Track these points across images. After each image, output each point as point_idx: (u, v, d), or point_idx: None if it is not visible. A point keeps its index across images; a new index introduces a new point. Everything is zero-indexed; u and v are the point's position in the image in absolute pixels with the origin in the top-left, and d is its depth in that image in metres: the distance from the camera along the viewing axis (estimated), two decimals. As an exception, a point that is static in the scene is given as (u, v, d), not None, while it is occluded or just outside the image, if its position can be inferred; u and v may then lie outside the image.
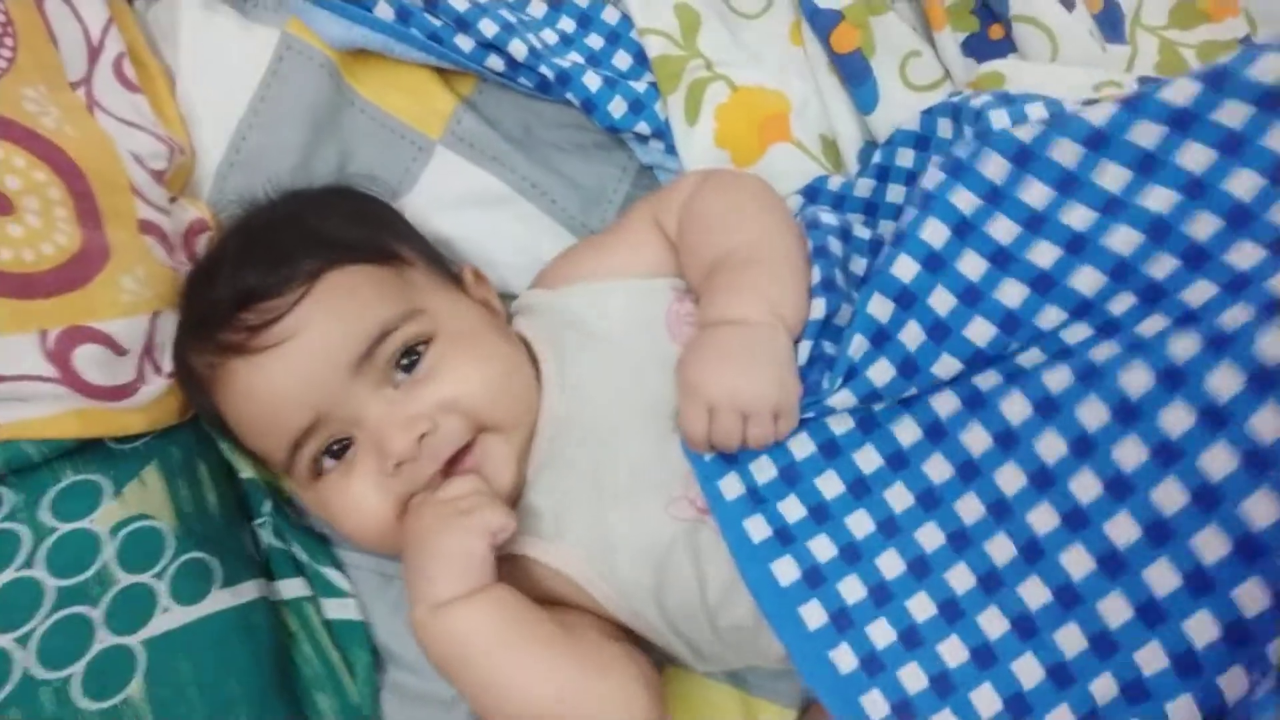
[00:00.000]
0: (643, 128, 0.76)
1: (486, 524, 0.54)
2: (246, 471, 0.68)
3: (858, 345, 0.54)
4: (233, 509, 0.67)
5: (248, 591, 0.63)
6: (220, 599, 0.62)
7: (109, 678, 0.56)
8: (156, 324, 0.65)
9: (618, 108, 0.75)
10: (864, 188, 0.71)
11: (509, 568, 0.58)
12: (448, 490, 0.57)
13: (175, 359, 0.64)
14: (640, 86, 0.76)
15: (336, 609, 0.67)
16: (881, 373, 0.54)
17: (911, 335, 0.53)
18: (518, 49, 0.74)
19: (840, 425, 0.55)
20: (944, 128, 0.68)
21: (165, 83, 0.75)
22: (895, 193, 0.70)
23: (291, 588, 0.66)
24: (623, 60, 0.79)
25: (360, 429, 0.58)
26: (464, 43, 0.76)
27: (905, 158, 0.69)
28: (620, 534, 0.56)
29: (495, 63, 0.76)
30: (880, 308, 0.54)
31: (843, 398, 0.54)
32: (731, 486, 0.54)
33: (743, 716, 0.66)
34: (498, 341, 0.63)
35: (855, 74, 0.74)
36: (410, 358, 0.59)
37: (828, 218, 0.62)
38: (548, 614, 0.55)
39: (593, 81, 0.75)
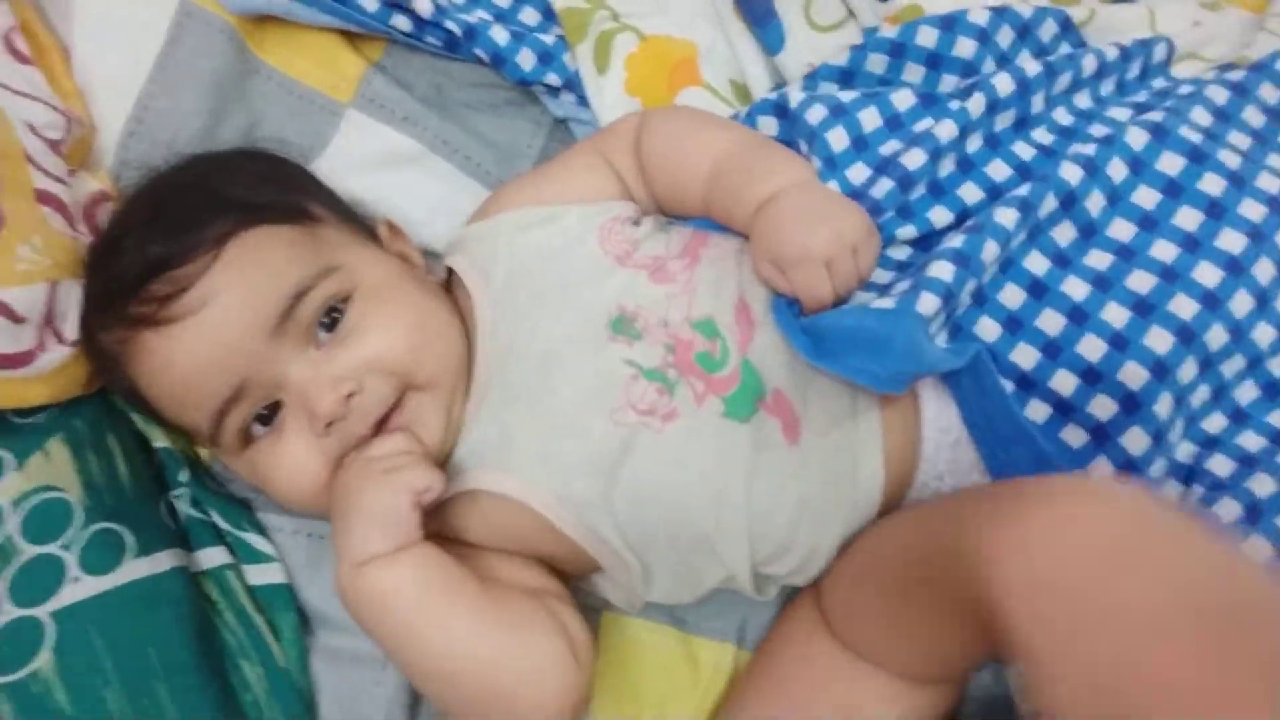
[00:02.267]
0: (553, 79, 0.75)
1: (411, 482, 0.53)
2: (160, 441, 0.67)
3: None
4: (146, 480, 0.65)
5: (164, 561, 0.61)
6: (134, 568, 0.60)
7: (14, 651, 0.54)
8: (56, 293, 0.62)
9: (526, 60, 0.75)
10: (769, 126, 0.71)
11: (457, 505, 0.58)
12: (375, 448, 0.56)
13: (84, 336, 0.62)
14: (549, 39, 0.76)
15: (260, 574, 0.65)
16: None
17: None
18: (423, 6, 0.73)
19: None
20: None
21: (60, 56, 0.73)
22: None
23: (212, 556, 0.65)
24: (530, 16, 0.79)
25: (286, 391, 0.57)
26: (369, 3, 0.75)
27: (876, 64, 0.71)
28: (568, 453, 0.56)
29: (402, 22, 0.76)
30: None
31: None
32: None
33: (683, 655, 0.66)
34: (418, 294, 0.62)
35: (760, 17, 0.74)
36: (331, 316, 0.58)
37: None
38: (473, 573, 0.55)
39: (500, 35, 0.75)
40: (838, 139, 0.63)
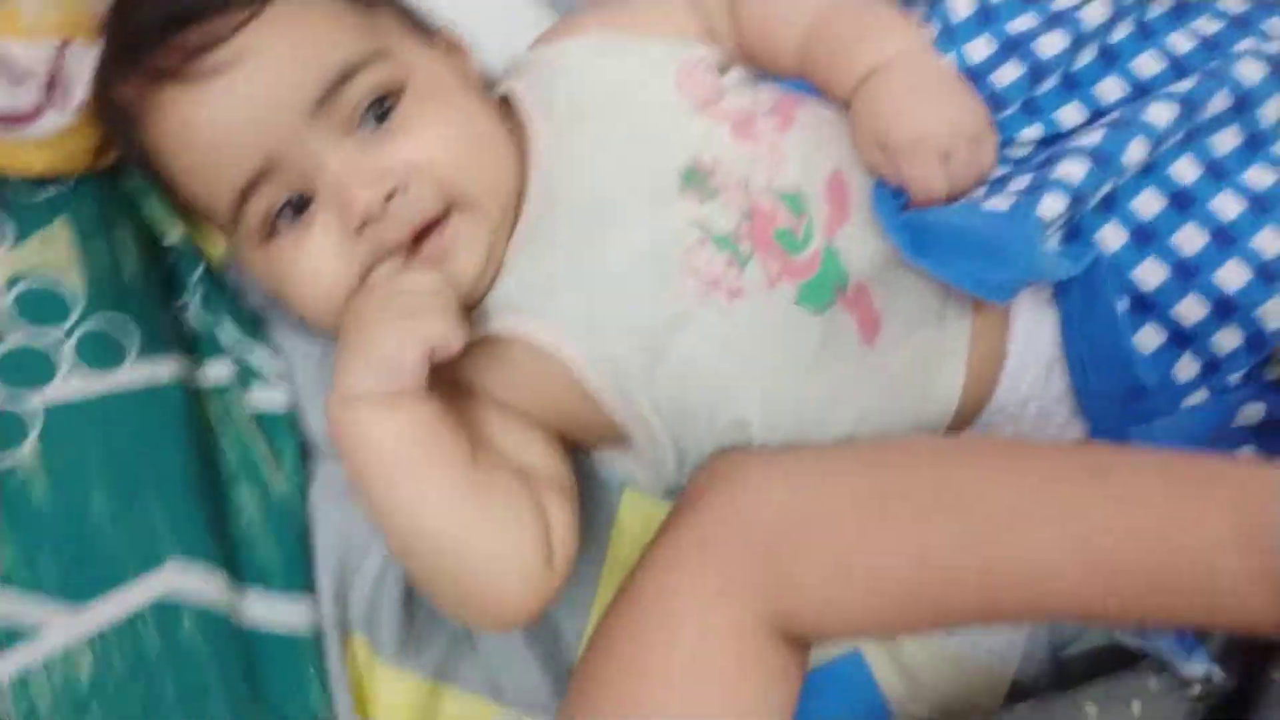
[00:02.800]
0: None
1: (429, 333, 0.48)
2: (173, 236, 0.61)
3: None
4: (155, 282, 0.61)
5: (166, 369, 0.57)
6: (134, 372, 0.56)
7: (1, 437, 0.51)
8: (65, 54, 0.56)
9: None
10: None
11: (485, 350, 0.53)
12: (404, 282, 0.51)
13: (98, 91, 0.55)
14: None
15: (265, 397, 0.61)
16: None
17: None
18: None
19: None
20: None
21: None
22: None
23: (216, 372, 0.61)
24: None
25: (320, 182, 0.51)
26: None
27: None
28: (615, 315, 0.51)
29: None
30: None
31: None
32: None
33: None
34: (477, 105, 0.55)
35: None
36: (379, 107, 0.52)
37: None
38: (467, 440, 0.51)
39: None
40: (961, 4, 0.54)
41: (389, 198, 0.49)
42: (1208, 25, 0.55)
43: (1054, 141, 0.53)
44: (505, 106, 0.58)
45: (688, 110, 0.53)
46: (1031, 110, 0.53)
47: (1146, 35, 0.55)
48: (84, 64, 0.57)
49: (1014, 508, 0.44)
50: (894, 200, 0.50)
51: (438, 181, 0.51)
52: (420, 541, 0.50)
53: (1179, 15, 0.55)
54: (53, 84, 0.56)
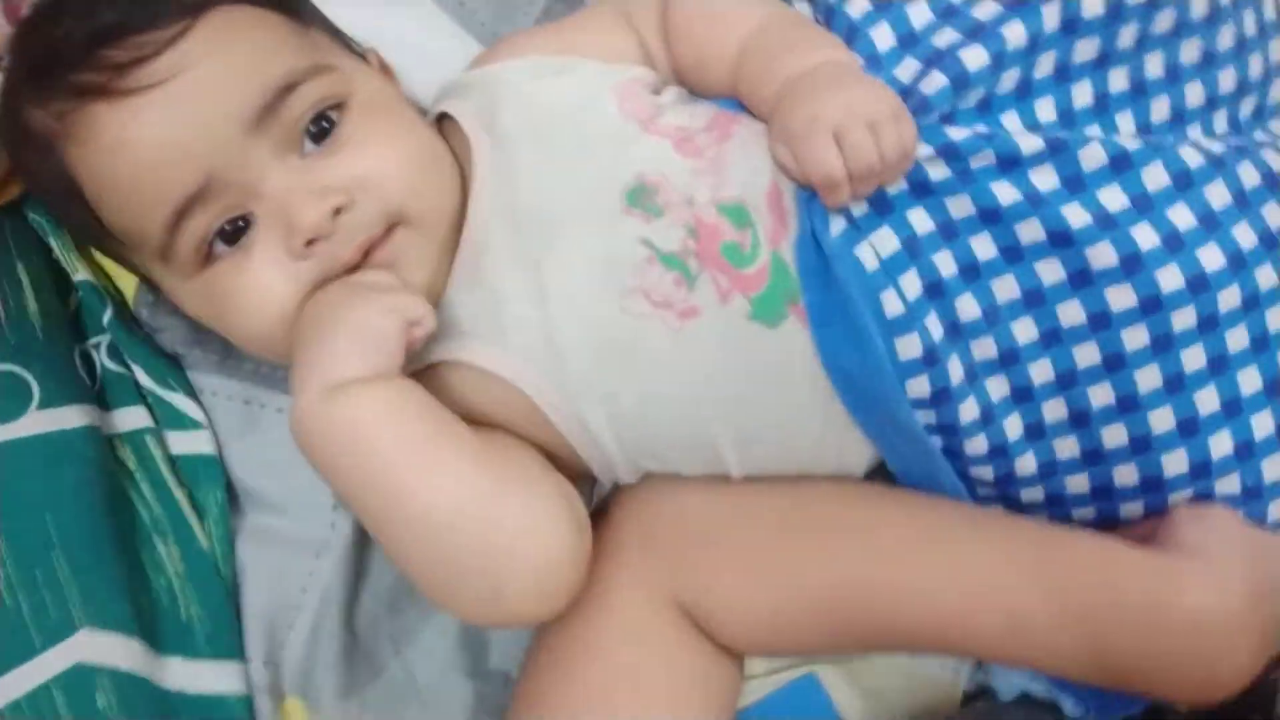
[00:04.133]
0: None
1: (404, 307, 0.47)
2: (83, 274, 0.57)
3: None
4: (60, 323, 0.57)
5: (72, 417, 0.53)
6: (37, 421, 0.52)
7: None
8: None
9: (540, -100, 0.66)
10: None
11: (435, 378, 0.51)
12: (363, 276, 0.49)
13: (4, 116, 0.51)
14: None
15: (185, 442, 0.57)
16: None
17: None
18: None
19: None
20: None
21: None
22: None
23: (130, 418, 0.57)
24: None
25: (261, 201, 0.48)
26: None
27: None
28: (568, 337, 0.50)
29: None
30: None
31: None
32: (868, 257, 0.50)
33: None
34: (418, 121, 0.54)
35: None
36: (320, 124, 0.50)
37: None
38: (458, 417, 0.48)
39: None
40: (882, 36, 0.55)
41: (336, 214, 0.48)
42: (1120, 81, 0.55)
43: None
44: (443, 127, 0.57)
45: (629, 128, 0.53)
46: (951, 121, 0.53)
47: (1064, 79, 0.54)
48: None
49: (908, 539, 0.51)
50: (813, 206, 0.50)
51: (385, 197, 0.49)
52: (439, 527, 0.45)
53: (1100, 65, 0.55)
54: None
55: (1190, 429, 0.50)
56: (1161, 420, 0.50)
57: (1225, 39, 0.55)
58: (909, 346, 0.50)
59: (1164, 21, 0.53)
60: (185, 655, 0.52)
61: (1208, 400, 0.50)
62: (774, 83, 0.52)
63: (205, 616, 0.53)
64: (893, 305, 0.50)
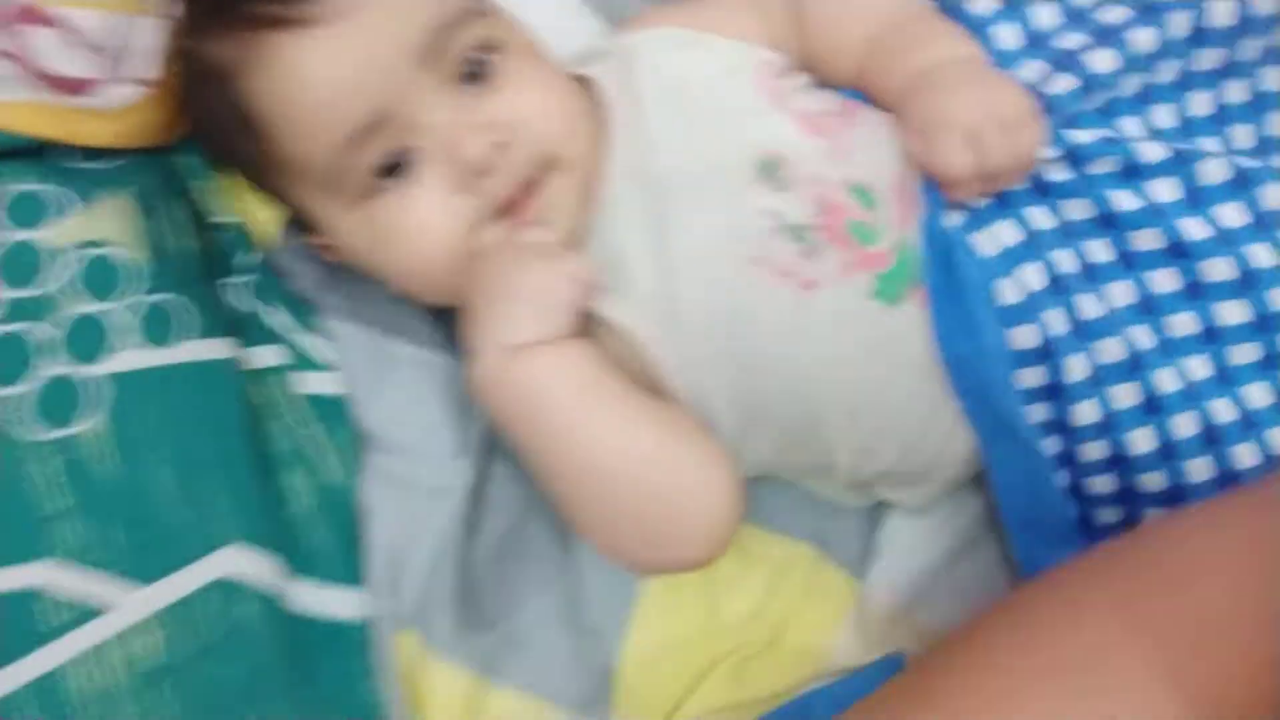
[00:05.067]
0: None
1: (573, 271, 0.49)
2: (224, 216, 0.60)
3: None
4: (204, 263, 0.59)
5: (221, 348, 0.56)
6: (197, 348, 0.55)
7: (67, 405, 0.49)
8: (132, 27, 0.55)
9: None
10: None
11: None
12: (528, 236, 0.51)
13: (179, 50, 0.54)
14: None
15: (317, 382, 0.59)
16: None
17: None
18: None
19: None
20: None
21: None
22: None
23: (269, 355, 0.59)
24: None
25: (426, 135, 0.51)
26: None
27: None
28: (687, 298, 0.52)
29: None
30: None
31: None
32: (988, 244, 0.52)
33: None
34: (563, 74, 0.57)
35: None
36: (479, 65, 0.52)
37: None
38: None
39: None
40: (1008, 36, 0.57)
41: (498, 150, 0.50)
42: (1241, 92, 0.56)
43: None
44: (582, 88, 0.58)
45: (763, 105, 0.55)
46: (1080, 122, 0.54)
47: (1188, 86, 0.56)
48: (150, 39, 0.56)
49: None
50: (937, 198, 0.52)
51: (543, 138, 0.52)
52: (613, 479, 0.49)
53: (1224, 74, 0.56)
54: (122, 56, 0.55)
55: None
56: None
57: None
58: (1025, 336, 0.51)
59: None
60: (315, 579, 0.55)
61: None
62: (903, 75, 0.54)
63: (334, 543, 0.56)
64: (1009, 293, 0.51)
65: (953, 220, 0.53)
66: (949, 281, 0.52)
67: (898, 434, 0.54)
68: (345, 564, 0.56)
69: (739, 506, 0.51)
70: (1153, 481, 0.52)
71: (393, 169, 0.51)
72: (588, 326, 0.53)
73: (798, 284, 0.52)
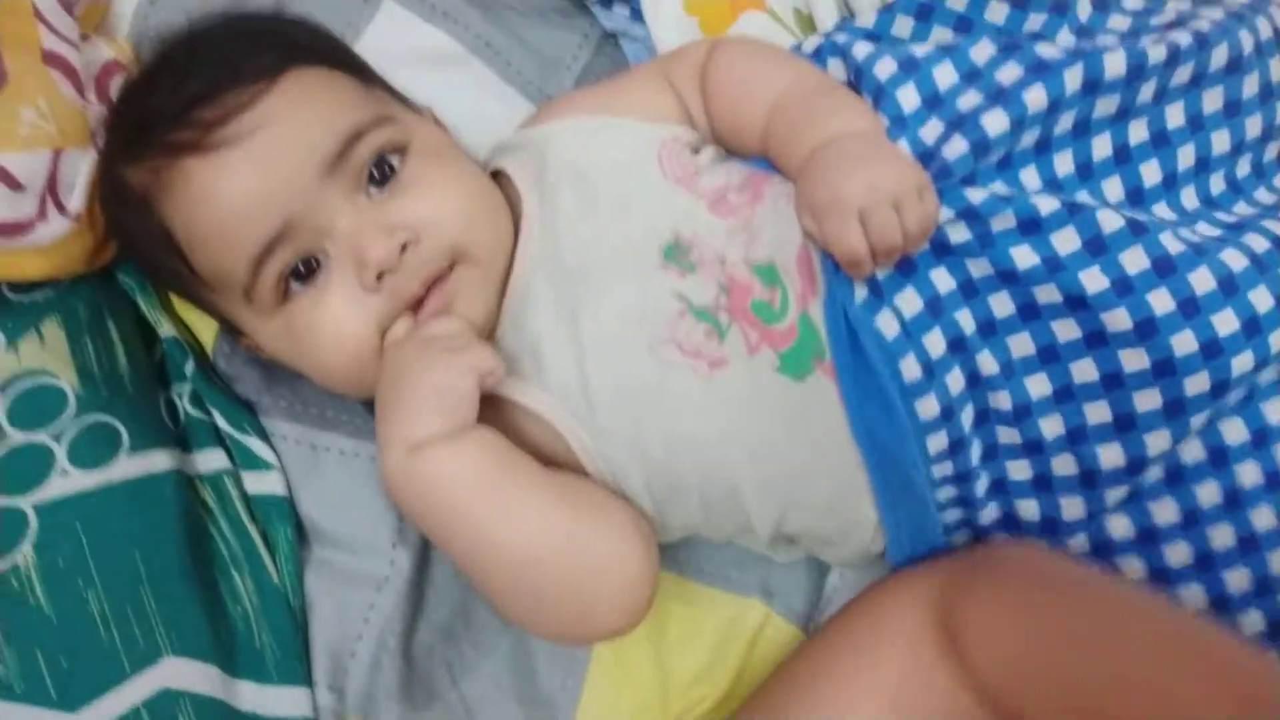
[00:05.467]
0: (609, -13, 0.70)
1: (476, 362, 0.50)
2: (167, 329, 0.62)
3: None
4: (147, 374, 0.62)
5: (159, 461, 0.58)
6: (127, 466, 0.57)
7: None
8: (60, 161, 0.58)
9: (582, -37, 0.70)
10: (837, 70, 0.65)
11: (491, 415, 0.54)
12: (432, 328, 0.53)
13: (104, 181, 0.57)
14: (607, -57, 0.71)
15: (258, 482, 0.61)
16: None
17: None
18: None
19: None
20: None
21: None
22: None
23: (210, 460, 0.61)
24: (590, -82, 0.73)
25: (333, 240, 0.53)
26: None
27: (902, 26, 0.63)
28: (601, 380, 0.53)
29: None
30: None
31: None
32: (889, 325, 0.52)
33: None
34: (473, 168, 0.59)
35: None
36: (383, 169, 0.54)
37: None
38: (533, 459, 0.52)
39: (556, -66, 0.69)
40: (908, 97, 0.56)
41: (403, 250, 0.52)
42: (1140, 132, 0.56)
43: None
44: (495, 182, 0.60)
45: (668, 186, 0.56)
46: (970, 182, 0.54)
47: (1084, 132, 0.56)
48: (78, 171, 0.59)
49: None
50: (838, 271, 0.52)
51: (447, 234, 0.53)
52: (527, 567, 0.49)
53: (1119, 118, 0.56)
54: (49, 192, 0.58)
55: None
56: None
57: (1250, 87, 0.55)
58: (927, 407, 0.52)
59: (1183, 74, 0.54)
60: (258, 680, 0.57)
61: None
62: (799, 151, 0.54)
63: (276, 644, 0.58)
64: (911, 370, 0.52)
65: (858, 297, 0.53)
66: (855, 360, 0.52)
67: (811, 500, 0.55)
68: (288, 663, 0.58)
69: (654, 573, 0.52)
70: (1028, 510, 0.55)
71: (305, 275, 0.53)
72: (507, 410, 0.54)
73: (705, 364, 0.53)
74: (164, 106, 0.53)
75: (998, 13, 0.62)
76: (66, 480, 0.54)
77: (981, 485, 0.55)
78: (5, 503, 0.52)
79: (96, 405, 0.57)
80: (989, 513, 0.56)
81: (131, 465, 0.56)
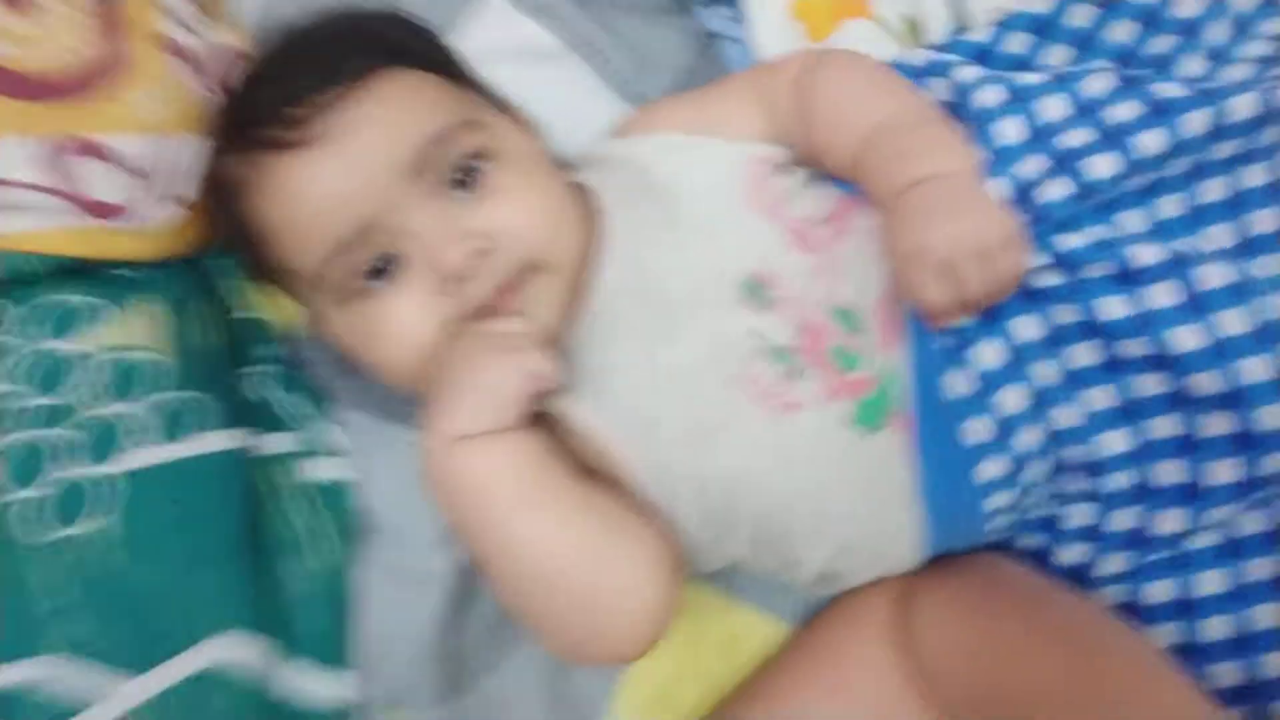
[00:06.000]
0: (712, -13, 0.69)
1: (531, 366, 0.50)
2: (243, 312, 0.65)
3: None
4: (226, 357, 0.64)
5: (234, 439, 0.60)
6: (207, 441, 0.59)
7: (83, 504, 0.54)
8: (175, 148, 0.61)
9: (687, -37, 0.68)
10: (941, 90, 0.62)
11: (539, 429, 0.54)
12: (495, 325, 0.53)
13: (207, 169, 0.60)
14: (714, -58, 0.69)
15: (325, 468, 0.63)
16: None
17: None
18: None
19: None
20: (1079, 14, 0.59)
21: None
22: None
23: (278, 442, 0.63)
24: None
25: (411, 241, 0.53)
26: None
27: (1017, 43, 0.60)
28: (667, 412, 0.52)
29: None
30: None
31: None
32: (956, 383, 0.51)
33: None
34: (556, 179, 0.58)
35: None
36: (468, 173, 0.54)
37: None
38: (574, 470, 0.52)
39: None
40: (1010, 130, 0.53)
41: (477, 257, 0.52)
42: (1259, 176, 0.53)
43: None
44: (579, 194, 0.59)
45: (753, 216, 0.55)
46: (1073, 225, 0.52)
47: (1200, 175, 0.53)
48: (186, 158, 0.62)
49: None
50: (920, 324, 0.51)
51: (523, 244, 0.53)
52: (545, 578, 0.49)
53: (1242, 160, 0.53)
54: (161, 176, 0.61)
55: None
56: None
57: None
58: (989, 469, 0.51)
59: None
60: (304, 660, 0.58)
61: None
62: (889, 187, 0.53)
63: (325, 628, 0.59)
64: (982, 431, 0.50)
65: (938, 343, 0.51)
66: (934, 416, 0.51)
67: (862, 545, 0.54)
68: (334, 648, 0.60)
69: (671, 607, 0.51)
70: (1069, 555, 0.55)
71: (381, 272, 0.54)
72: (552, 421, 0.55)
73: (778, 405, 0.52)
74: (263, 102, 0.55)
75: (1122, 31, 0.57)
76: (153, 450, 0.56)
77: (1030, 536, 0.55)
78: (102, 468, 0.54)
79: (190, 382, 0.59)
80: (1026, 542, 0.56)
81: (209, 440, 0.58)
